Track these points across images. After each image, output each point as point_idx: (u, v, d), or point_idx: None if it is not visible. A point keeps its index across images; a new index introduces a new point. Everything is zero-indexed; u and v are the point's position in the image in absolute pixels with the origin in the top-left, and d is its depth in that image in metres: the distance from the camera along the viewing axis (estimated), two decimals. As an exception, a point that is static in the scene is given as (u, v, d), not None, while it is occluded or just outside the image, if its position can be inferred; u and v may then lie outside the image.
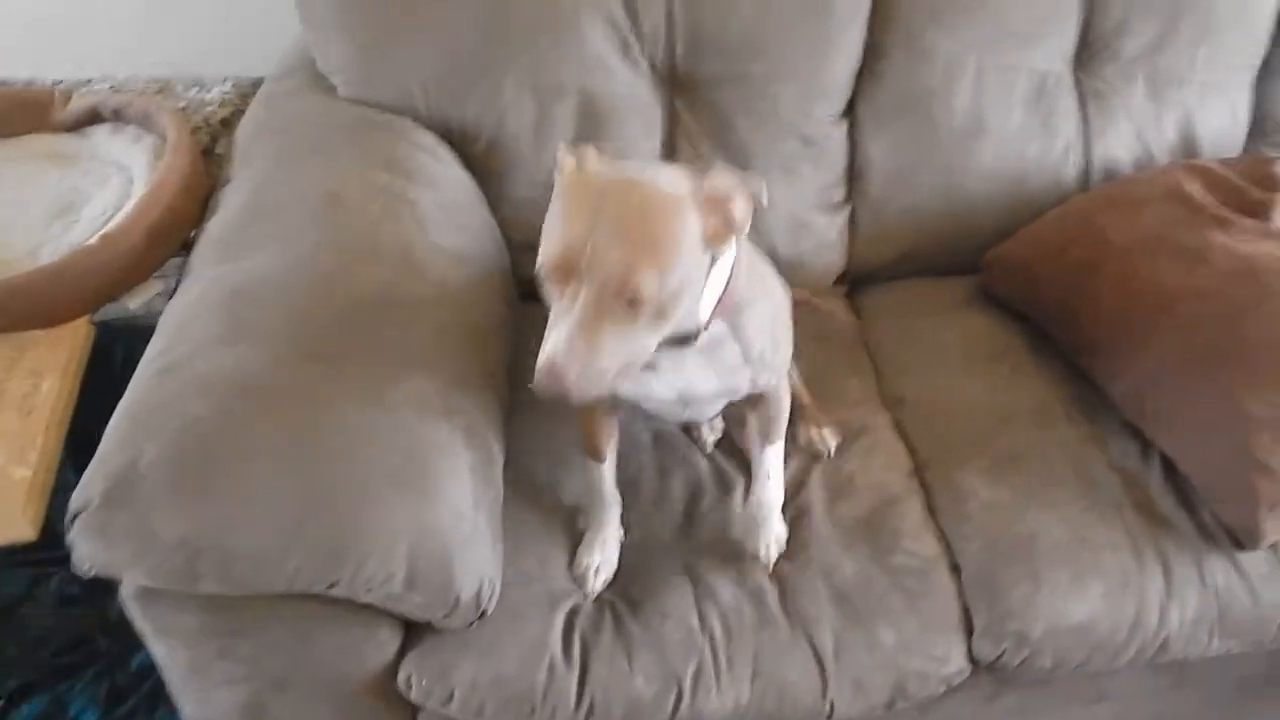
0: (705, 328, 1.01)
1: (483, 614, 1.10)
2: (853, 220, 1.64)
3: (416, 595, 1.04)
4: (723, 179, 0.90)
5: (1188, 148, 1.64)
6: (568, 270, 0.87)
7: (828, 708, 1.17)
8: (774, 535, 1.23)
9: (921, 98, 1.58)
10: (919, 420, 1.41)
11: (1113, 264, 1.37)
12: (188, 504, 0.96)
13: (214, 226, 1.32)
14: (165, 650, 1.09)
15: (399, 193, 1.35)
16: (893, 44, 1.57)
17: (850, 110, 1.61)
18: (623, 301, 0.85)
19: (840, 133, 1.61)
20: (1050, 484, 1.27)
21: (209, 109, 1.73)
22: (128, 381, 1.58)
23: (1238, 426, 1.18)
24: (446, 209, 1.39)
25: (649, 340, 0.91)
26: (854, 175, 1.63)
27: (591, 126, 1.53)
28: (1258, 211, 1.36)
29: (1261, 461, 1.16)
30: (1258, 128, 1.68)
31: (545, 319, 1.45)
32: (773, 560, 1.22)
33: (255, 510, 0.97)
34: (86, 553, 0.96)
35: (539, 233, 1.51)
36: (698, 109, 1.58)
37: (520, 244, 1.55)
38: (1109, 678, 1.28)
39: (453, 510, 1.06)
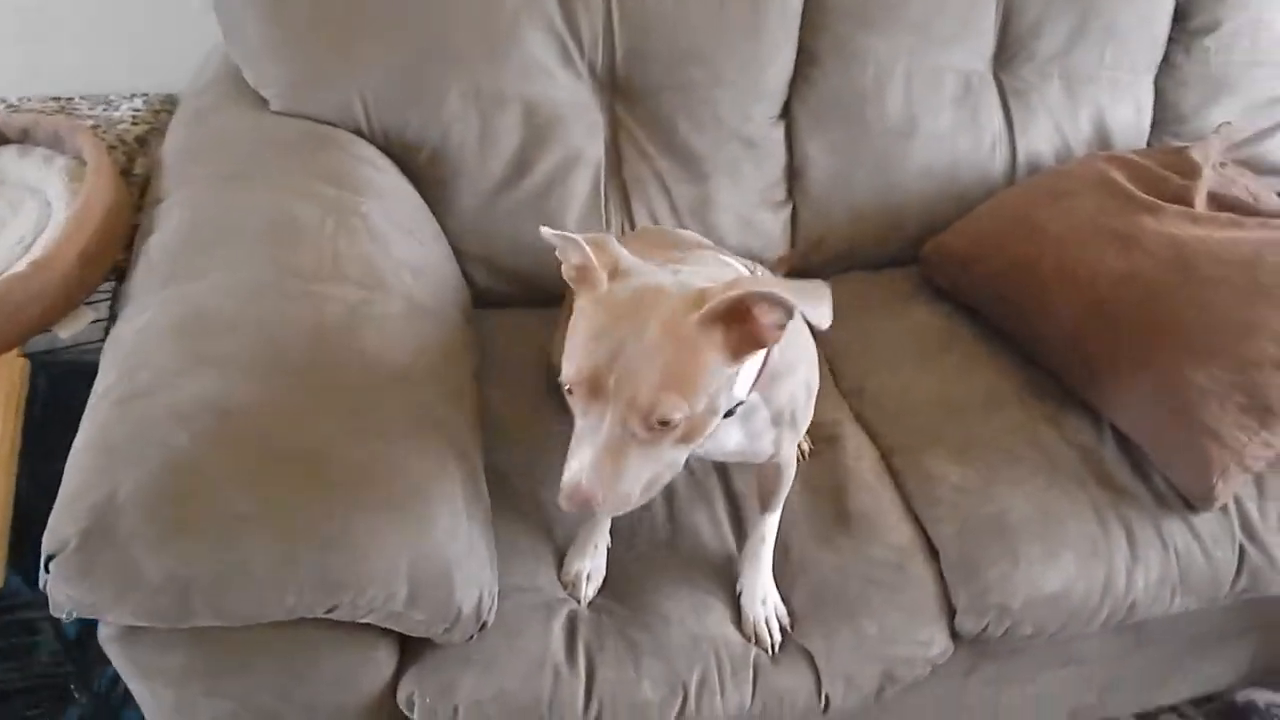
0: (741, 403, 0.99)
1: (483, 625, 1.07)
2: (795, 218, 1.67)
3: (418, 612, 1.00)
4: (753, 290, 0.84)
5: (1101, 139, 1.74)
6: (594, 390, 0.84)
7: (823, 704, 1.18)
8: (772, 605, 1.20)
9: (855, 99, 1.63)
10: (879, 411, 1.44)
11: (1052, 253, 1.44)
12: (175, 537, 0.91)
13: (153, 250, 1.25)
14: (148, 691, 1.03)
15: (350, 207, 1.30)
16: (824, 49, 1.62)
17: (787, 112, 1.64)
18: (649, 425, 0.84)
19: (779, 134, 1.64)
20: (1013, 464, 1.32)
21: (121, 127, 1.63)
22: (41, 417, 1.49)
23: (1186, 398, 1.25)
24: (398, 221, 1.36)
25: (677, 457, 0.89)
26: (794, 174, 1.66)
27: (536, 134, 1.52)
28: (1180, 198, 1.45)
29: (1212, 429, 1.23)
30: (1159, 120, 1.80)
31: (503, 330, 1.48)
32: (777, 643, 1.18)
33: (248, 540, 0.92)
34: (66, 596, 0.90)
35: (485, 241, 1.54)
36: (639, 114, 1.59)
37: (468, 254, 1.54)
38: (1077, 642, 1.34)
39: (449, 524, 1.03)
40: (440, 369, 1.20)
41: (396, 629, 1.03)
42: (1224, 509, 1.29)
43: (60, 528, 0.90)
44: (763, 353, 0.96)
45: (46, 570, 0.90)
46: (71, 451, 0.99)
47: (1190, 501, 1.27)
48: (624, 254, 0.91)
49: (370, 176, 1.40)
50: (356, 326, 1.14)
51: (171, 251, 1.23)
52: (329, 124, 1.45)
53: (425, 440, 1.08)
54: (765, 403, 1.04)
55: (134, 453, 0.95)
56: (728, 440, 1.06)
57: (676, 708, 1.13)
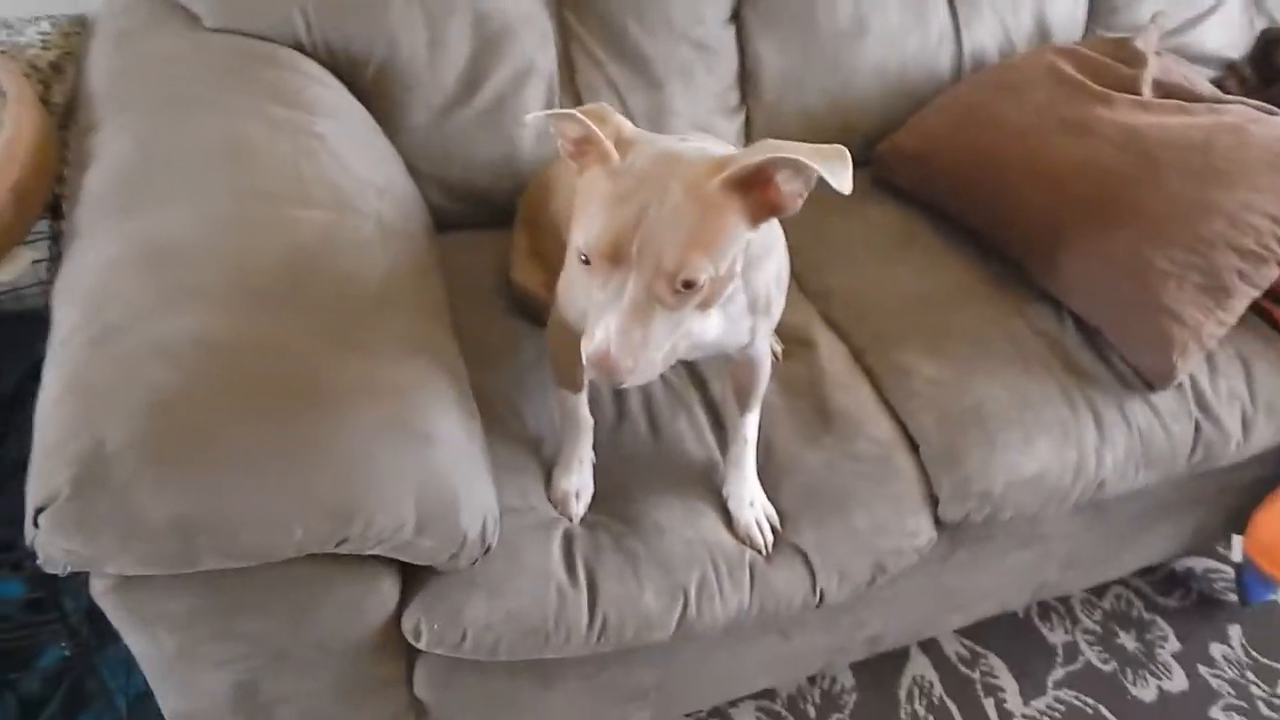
0: None
1: (488, 549, 1.06)
2: (748, 123, 1.66)
3: (427, 539, 0.99)
4: (777, 156, 0.84)
5: (1041, 33, 1.76)
6: (616, 257, 0.84)
7: (818, 598, 1.22)
8: (760, 506, 1.21)
9: (804, 1, 1.61)
10: (847, 311, 1.46)
11: (1009, 144, 1.46)
12: (175, 480, 0.87)
13: (95, 182, 1.17)
14: (148, 641, 1.01)
15: (304, 127, 1.25)
16: (771, -53, 1.59)
17: (737, 14, 1.62)
18: (674, 288, 0.83)
19: (730, 36, 1.62)
20: (984, 354, 1.35)
21: (31, 52, 1.51)
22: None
23: (1147, 280, 1.30)
24: (354, 141, 1.31)
25: (692, 325, 0.89)
26: (746, 78, 1.64)
27: (486, 44, 1.47)
28: (1128, 87, 1.48)
29: (1172, 309, 1.28)
30: (1094, 11, 1.82)
31: (460, 251, 1.44)
32: (769, 543, 1.19)
33: (253, 476, 0.89)
34: (62, 550, 0.86)
35: (438, 159, 1.49)
36: (588, 19, 1.55)
37: (420, 173, 1.48)
38: (1043, 523, 1.40)
39: (450, 447, 1.01)
40: (418, 290, 1.17)
41: (404, 559, 1.02)
42: (1180, 386, 1.35)
43: (48, 477, 0.86)
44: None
45: (35, 524, 0.86)
46: (43, 399, 0.94)
47: (1150, 381, 1.33)
48: (625, 123, 0.90)
49: (320, 94, 1.33)
50: (331, 250, 1.10)
51: (119, 182, 1.15)
52: (268, 40, 1.38)
53: (415, 361, 1.05)
54: (744, 287, 1.03)
55: (119, 393, 0.91)
56: (709, 330, 1.04)
57: (678, 613, 1.15)
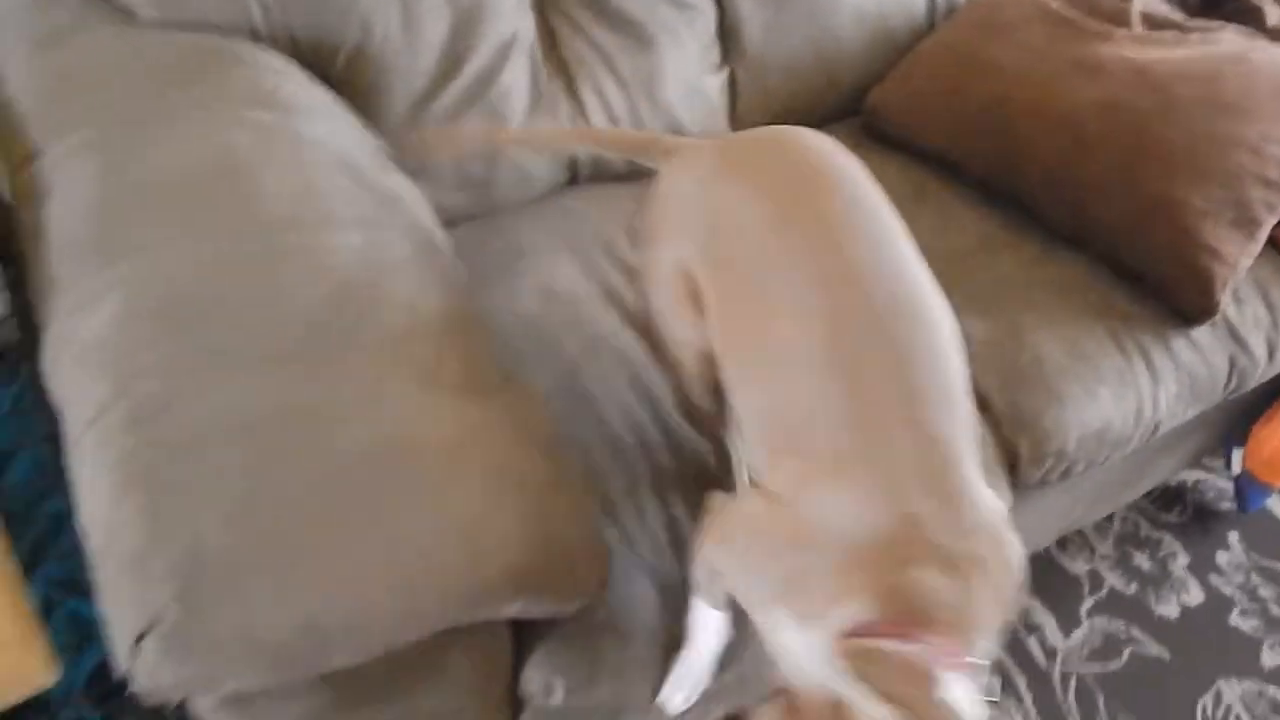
0: None
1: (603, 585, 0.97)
2: (732, 80, 1.57)
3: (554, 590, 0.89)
4: None
5: (1003, -34, 1.72)
6: None
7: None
8: None
9: (781, -55, 1.52)
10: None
11: (1018, 89, 1.42)
12: (295, 576, 0.75)
13: (62, 219, 0.98)
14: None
15: (295, 133, 1.08)
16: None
17: (713, -35, 1.52)
18: None
19: (706, -10, 1.51)
20: (1027, 307, 1.32)
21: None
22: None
23: (1185, 221, 1.29)
24: (351, 142, 1.15)
25: None
26: (727, 34, 1.54)
27: (464, 17, 1.31)
28: (1118, 19, 1.47)
29: (1212, 246, 1.28)
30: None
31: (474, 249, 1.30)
32: None
33: (382, 555, 0.78)
34: (175, 678, 0.72)
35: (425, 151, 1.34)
36: (566, -20, 1.41)
37: (410, 168, 1.32)
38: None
39: (559, 483, 0.90)
40: (468, 306, 1.04)
41: (530, 615, 0.91)
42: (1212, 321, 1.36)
43: (145, 596, 0.72)
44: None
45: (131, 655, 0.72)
46: (90, 498, 0.79)
47: (1189, 317, 1.33)
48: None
49: (296, 92, 1.15)
50: (378, 278, 0.96)
51: (94, 219, 0.97)
52: (217, 33, 1.18)
53: (501, 397, 0.94)
54: None
55: (199, 483, 0.77)
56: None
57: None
